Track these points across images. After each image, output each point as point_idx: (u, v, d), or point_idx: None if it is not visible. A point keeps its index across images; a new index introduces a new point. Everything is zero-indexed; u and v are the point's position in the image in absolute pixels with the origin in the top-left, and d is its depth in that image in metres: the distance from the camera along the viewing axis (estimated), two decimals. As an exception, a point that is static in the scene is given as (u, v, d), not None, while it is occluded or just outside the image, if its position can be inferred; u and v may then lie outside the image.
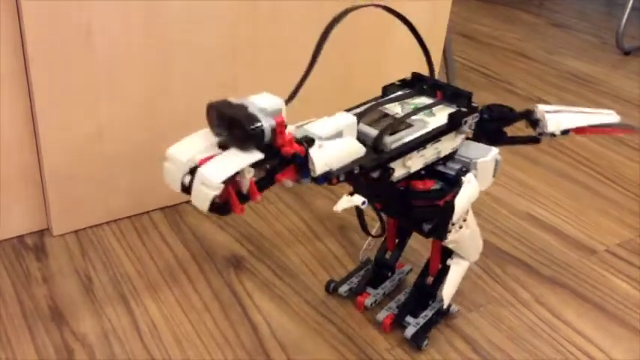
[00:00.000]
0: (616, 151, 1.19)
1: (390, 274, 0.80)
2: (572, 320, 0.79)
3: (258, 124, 0.51)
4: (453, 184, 0.66)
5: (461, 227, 0.68)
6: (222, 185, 0.50)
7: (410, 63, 1.11)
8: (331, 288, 0.79)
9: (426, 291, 0.75)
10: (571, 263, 0.89)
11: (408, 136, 0.62)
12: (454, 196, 0.64)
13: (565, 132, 0.73)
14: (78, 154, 0.83)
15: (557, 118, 0.73)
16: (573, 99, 1.41)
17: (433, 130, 0.64)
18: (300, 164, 0.55)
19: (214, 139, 0.54)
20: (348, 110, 0.65)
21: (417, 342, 0.72)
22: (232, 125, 0.52)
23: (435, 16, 1.08)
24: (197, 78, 0.88)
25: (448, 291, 0.71)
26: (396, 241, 0.79)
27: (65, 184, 0.84)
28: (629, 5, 1.66)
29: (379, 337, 0.74)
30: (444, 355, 0.72)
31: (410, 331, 0.72)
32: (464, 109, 0.66)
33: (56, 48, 0.76)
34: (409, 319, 0.74)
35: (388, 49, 1.05)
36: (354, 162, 0.57)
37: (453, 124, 0.65)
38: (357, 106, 0.66)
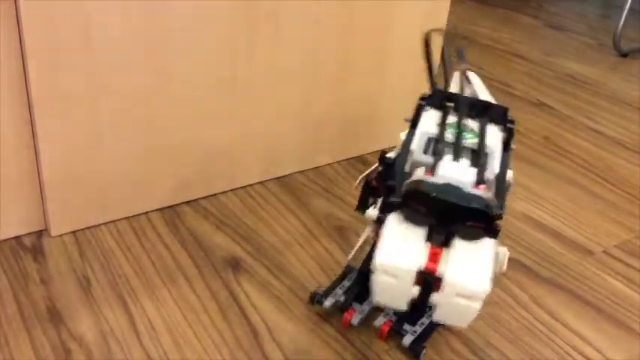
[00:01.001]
0: (614, 153, 1.20)
1: None
2: (569, 321, 0.79)
3: (496, 209, 0.44)
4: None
5: None
6: (488, 293, 0.42)
7: (409, 63, 1.12)
8: (315, 300, 0.76)
9: None
10: (569, 265, 0.89)
11: (493, 166, 0.57)
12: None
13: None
14: (76, 155, 0.83)
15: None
16: (570, 100, 1.41)
17: (502, 155, 0.60)
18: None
19: (420, 232, 0.46)
20: (408, 143, 0.60)
21: (415, 351, 0.71)
22: (466, 216, 0.44)
23: (433, 17, 1.08)
24: (197, 78, 0.88)
25: None
26: None
27: (63, 185, 0.84)
28: (627, 7, 1.67)
29: (377, 338, 0.74)
30: (442, 357, 0.72)
31: (408, 340, 0.71)
32: (511, 126, 0.62)
33: (55, 48, 0.76)
34: (406, 326, 0.73)
35: (389, 48, 1.05)
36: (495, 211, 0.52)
37: (507, 148, 0.62)
38: (410, 137, 0.61)
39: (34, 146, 0.82)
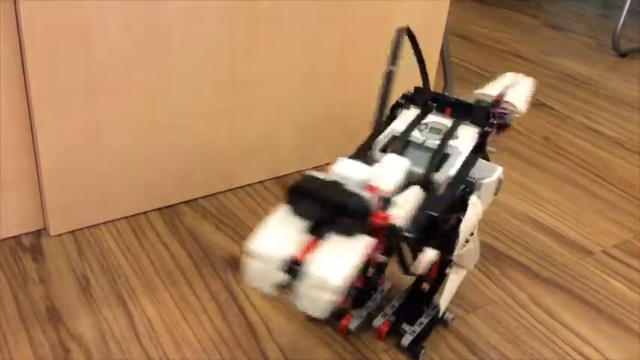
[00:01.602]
0: (613, 153, 1.20)
1: (372, 292, 0.78)
2: (569, 321, 0.79)
3: (366, 205, 0.45)
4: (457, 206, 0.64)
5: (467, 241, 0.66)
6: (343, 286, 0.43)
7: (409, 63, 1.11)
8: None
9: (421, 298, 0.74)
10: (568, 265, 0.89)
11: (450, 168, 0.60)
12: (458, 220, 0.62)
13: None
14: (75, 154, 0.83)
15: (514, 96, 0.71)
16: (570, 100, 1.41)
17: (470, 157, 0.61)
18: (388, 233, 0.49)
19: (300, 224, 0.47)
20: (371, 138, 0.61)
21: (413, 351, 0.71)
22: (335, 210, 0.45)
23: (432, 17, 1.08)
24: (196, 78, 0.88)
25: (445, 299, 0.70)
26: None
27: (62, 184, 0.84)
28: (626, 7, 1.67)
29: (377, 338, 0.74)
30: (442, 356, 0.72)
31: (406, 340, 0.71)
32: (489, 129, 0.63)
33: (54, 48, 0.76)
34: (405, 326, 0.72)
35: (388, 48, 1.05)
36: (422, 211, 0.54)
37: (481, 149, 0.63)
38: (374, 134, 0.63)
39: (33, 146, 0.82)
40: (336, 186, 0.47)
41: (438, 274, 0.72)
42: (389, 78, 0.61)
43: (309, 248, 0.44)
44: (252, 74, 0.93)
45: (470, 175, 0.64)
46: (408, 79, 0.73)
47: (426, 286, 0.74)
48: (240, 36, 0.89)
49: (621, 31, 1.69)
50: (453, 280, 0.71)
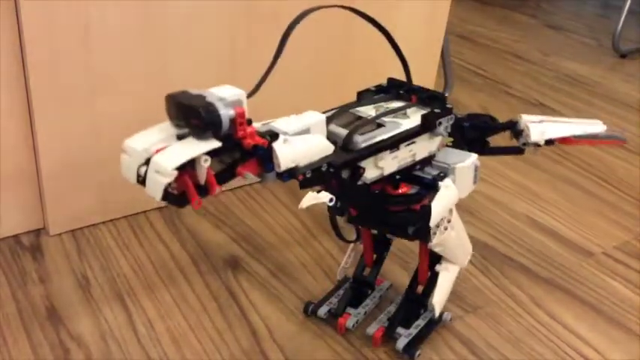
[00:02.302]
0: (614, 155, 1.20)
1: (369, 291, 0.77)
2: (569, 322, 0.79)
3: (215, 112, 0.50)
4: (430, 188, 0.65)
5: (446, 229, 0.67)
6: (176, 172, 0.48)
7: (410, 62, 1.11)
8: (310, 310, 0.75)
9: (416, 300, 0.73)
10: (568, 265, 0.89)
11: (379, 135, 0.61)
12: (431, 201, 0.63)
13: (549, 142, 0.72)
14: (75, 154, 0.83)
15: (541, 127, 0.72)
16: (569, 101, 1.41)
17: (406, 130, 0.63)
18: (264, 158, 0.54)
19: (173, 131, 0.52)
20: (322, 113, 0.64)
21: (409, 353, 0.70)
22: (189, 114, 0.50)
23: (433, 16, 1.08)
24: (195, 77, 0.87)
25: (439, 299, 0.69)
26: (374, 256, 0.76)
27: (62, 184, 0.84)
28: (626, 8, 1.67)
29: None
30: (442, 357, 0.72)
31: (402, 343, 0.70)
32: (437, 110, 0.65)
33: (54, 47, 0.76)
34: (400, 330, 0.71)
35: (389, 48, 1.05)
36: (321, 159, 0.56)
37: (426, 126, 0.64)
38: (331, 110, 0.66)
39: (33, 145, 0.82)
40: (198, 97, 0.51)
41: (429, 273, 0.72)
42: None
43: (166, 146, 0.50)
44: (251, 73, 0.92)
45: (444, 160, 0.66)
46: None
47: (420, 288, 0.73)
48: (240, 36, 0.88)
49: (621, 32, 1.69)
50: (445, 277, 0.70)
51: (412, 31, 1.06)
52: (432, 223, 0.63)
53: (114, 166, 0.87)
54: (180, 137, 0.52)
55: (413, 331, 0.71)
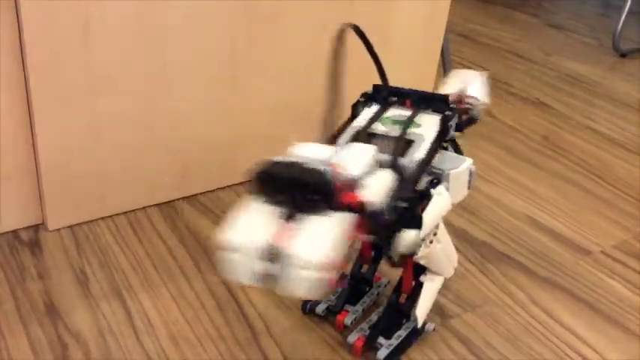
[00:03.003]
0: (613, 154, 1.20)
1: (367, 288, 0.77)
2: (567, 321, 0.79)
3: (331, 181, 0.44)
4: (423, 197, 0.63)
5: (431, 242, 0.65)
6: (327, 262, 0.42)
7: (409, 61, 1.11)
8: (307, 308, 0.75)
9: (399, 310, 0.72)
10: (566, 264, 0.89)
11: (415, 152, 0.60)
12: (423, 209, 0.61)
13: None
14: (74, 149, 0.83)
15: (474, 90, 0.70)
16: (569, 100, 1.41)
17: (434, 141, 0.62)
18: (371, 216, 0.49)
19: (270, 210, 0.46)
20: (334, 138, 0.63)
21: None
22: (304, 189, 0.45)
23: (433, 15, 1.08)
24: (196, 75, 0.87)
25: (422, 310, 0.68)
26: (372, 253, 0.76)
27: (61, 179, 0.84)
28: (627, 7, 1.67)
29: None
30: (440, 355, 0.72)
31: (382, 354, 0.69)
32: (449, 113, 0.64)
33: (54, 46, 0.76)
34: (381, 340, 0.70)
35: (389, 47, 1.05)
36: (394, 194, 0.54)
37: (445, 131, 0.63)
38: (339, 132, 0.64)
39: (33, 141, 0.82)
40: (296, 165, 0.46)
41: (414, 284, 0.71)
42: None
43: (283, 232, 0.44)
44: (251, 71, 0.92)
45: (438, 166, 0.64)
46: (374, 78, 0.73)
47: (403, 298, 0.72)
48: (239, 34, 0.88)
49: (621, 31, 1.69)
50: (429, 288, 0.69)
51: (412, 30, 1.06)
52: (423, 233, 0.61)
53: (113, 162, 0.87)
54: (289, 216, 0.45)
55: (394, 341, 0.70)
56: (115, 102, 0.83)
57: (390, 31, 1.04)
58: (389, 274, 0.82)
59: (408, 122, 0.64)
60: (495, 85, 1.46)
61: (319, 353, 0.71)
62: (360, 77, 1.07)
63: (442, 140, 0.64)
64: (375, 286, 0.78)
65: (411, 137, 0.62)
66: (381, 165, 0.57)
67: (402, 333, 0.71)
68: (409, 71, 1.10)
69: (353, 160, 0.52)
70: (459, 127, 0.68)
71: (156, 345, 0.70)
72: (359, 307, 0.75)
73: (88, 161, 0.85)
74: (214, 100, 0.91)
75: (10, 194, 0.84)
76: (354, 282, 0.76)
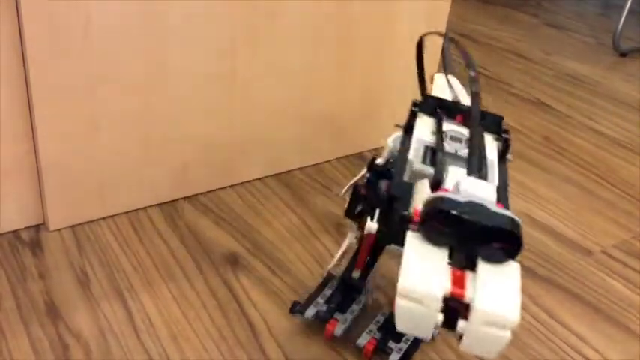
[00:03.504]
0: (613, 154, 1.20)
1: (357, 295, 0.75)
2: (567, 321, 0.79)
3: (520, 229, 0.40)
4: None
5: None
6: (517, 320, 0.38)
7: (409, 61, 1.11)
8: (295, 310, 0.73)
9: None
10: (567, 264, 0.89)
11: (492, 177, 0.55)
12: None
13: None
14: (75, 149, 0.83)
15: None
16: (570, 100, 1.41)
17: (500, 166, 0.58)
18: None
19: (441, 253, 0.42)
20: (401, 148, 0.58)
21: None
22: (490, 236, 0.40)
23: (433, 16, 1.08)
24: (197, 73, 0.87)
25: None
26: (367, 259, 0.74)
27: (62, 179, 0.84)
28: (627, 7, 1.67)
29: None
30: (441, 355, 0.72)
31: (394, 359, 0.69)
32: (507, 136, 0.60)
33: (54, 42, 0.76)
34: (392, 344, 0.70)
35: (389, 47, 1.05)
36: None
37: (503, 156, 0.59)
38: (406, 148, 0.59)
39: (33, 140, 0.82)
40: (481, 208, 0.42)
41: None
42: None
43: (462, 280, 0.40)
44: (252, 70, 0.92)
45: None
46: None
47: None
48: (240, 30, 0.88)
49: (622, 31, 1.69)
50: None
51: (412, 30, 1.06)
52: None
53: (114, 162, 0.87)
54: (463, 263, 0.42)
55: (403, 345, 0.70)
56: (116, 101, 0.83)
57: (390, 30, 1.04)
58: (379, 279, 0.82)
59: (481, 144, 0.58)
60: (496, 85, 1.46)
61: (321, 354, 0.71)
62: (361, 76, 1.07)
63: (502, 162, 0.59)
64: (363, 292, 0.76)
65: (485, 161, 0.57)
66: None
67: (410, 336, 0.71)
68: (409, 72, 1.10)
69: (485, 191, 0.46)
70: None
71: (157, 345, 0.70)
72: (348, 316, 0.73)
73: (88, 161, 0.85)
74: (216, 98, 0.91)
75: (11, 194, 0.84)
76: (343, 287, 0.75)
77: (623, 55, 1.71)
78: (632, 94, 1.47)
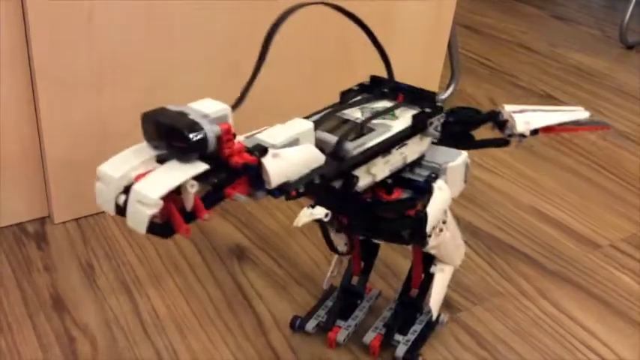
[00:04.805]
0: (621, 147, 1.19)
1: (359, 301, 0.74)
2: (576, 314, 0.78)
3: (200, 131, 0.46)
4: (423, 191, 0.62)
5: (441, 230, 0.64)
6: (161, 202, 0.43)
7: (413, 55, 1.11)
8: (297, 325, 0.72)
9: (411, 305, 0.71)
10: (575, 258, 0.88)
11: (370, 140, 0.58)
12: (425, 205, 0.61)
13: (534, 132, 0.68)
14: (80, 142, 0.83)
15: (525, 117, 0.69)
16: (576, 92, 1.40)
17: (397, 133, 0.59)
18: (253, 176, 0.49)
19: (152, 153, 0.48)
20: (307, 117, 0.60)
21: None
22: (171, 135, 0.46)
23: (441, 8, 1.07)
24: (200, 65, 0.87)
25: (436, 301, 0.67)
26: (362, 264, 0.74)
27: (67, 172, 0.84)
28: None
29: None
30: (450, 349, 0.72)
31: (401, 350, 0.68)
32: (428, 110, 0.62)
33: (58, 35, 0.75)
34: (398, 337, 0.70)
35: (393, 40, 1.04)
36: (313, 171, 0.52)
37: (417, 127, 0.61)
38: (314, 114, 0.62)
39: (38, 133, 0.81)
40: (179, 115, 0.48)
41: (424, 275, 0.70)
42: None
43: (148, 172, 0.46)
44: (254, 63, 0.92)
45: (435, 160, 0.63)
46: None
47: (414, 292, 0.71)
48: (244, 23, 0.88)
49: (628, 23, 1.67)
50: (440, 279, 0.68)
51: (419, 23, 1.05)
52: (429, 228, 0.61)
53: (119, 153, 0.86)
54: (160, 160, 0.47)
55: (410, 337, 0.70)
56: (120, 94, 0.82)
57: (396, 26, 1.03)
58: (378, 284, 0.82)
59: (384, 112, 0.62)
60: (501, 77, 1.45)
61: (325, 344, 0.71)
62: (367, 69, 1.06)
63: (412, 135, 0.61)
64: (366, 298, 0.75)
65: (374, 126, 0.59)
66: (323, 145, 0.55)
67: (417, 327, 0.71)
68: (416, 67, 1.09)
69: (281, 131, 0.54)
70: (503, 141, 0.67)
71: (163, 338, 0.70)
72: (351, 322, 0.72)
73: (93, 153, 0.84)
74: (220, 90, 0.90)
75: (16, 187, 0.83)
76: (344, 295, 0.74)
77: (629, 47, 1.70)
78: (638, 87, 1.46)
